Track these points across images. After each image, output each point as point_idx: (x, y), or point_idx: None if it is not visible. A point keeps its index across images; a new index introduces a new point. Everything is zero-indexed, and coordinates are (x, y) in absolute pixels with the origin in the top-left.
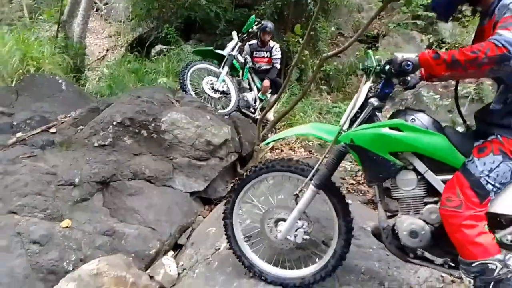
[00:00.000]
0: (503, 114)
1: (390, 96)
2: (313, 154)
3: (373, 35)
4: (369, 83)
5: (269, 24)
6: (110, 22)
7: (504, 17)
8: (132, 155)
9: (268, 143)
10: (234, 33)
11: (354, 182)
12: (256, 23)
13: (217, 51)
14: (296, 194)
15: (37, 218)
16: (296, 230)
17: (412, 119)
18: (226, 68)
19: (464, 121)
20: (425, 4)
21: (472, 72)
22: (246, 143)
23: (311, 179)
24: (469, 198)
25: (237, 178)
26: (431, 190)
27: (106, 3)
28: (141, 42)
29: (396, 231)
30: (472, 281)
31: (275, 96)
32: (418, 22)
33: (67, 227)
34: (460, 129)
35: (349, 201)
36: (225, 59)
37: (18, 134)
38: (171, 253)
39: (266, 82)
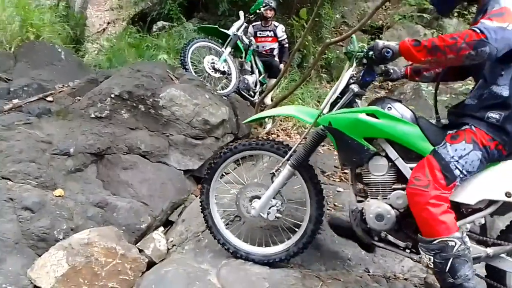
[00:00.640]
0: (478, 108)
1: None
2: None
3: (377, 26)
4: (351, 70)
5: (272, 1)
6: None
7: (492, 10)
8: (129, 129)
9: (248, 122)
10: (241, 13)
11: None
12: (264, 5)
13: (222, 30)
14: (272, 173)
15: (30, 185)
16: (270, 208)
17: (388, 107)
18: (229, 48)
19: (437, 113)
20: None
21: (451, 57)
22: (243, 125)
23: (288, 159)
24: (437, 180)
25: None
26: (400, 177)
27: None
28: (143, 17)
29: (364, 214)
30: (431, 258)
31: (274, 80)
32: (424, 15)
33: (59, 196)
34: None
35: (341, 189)
36: (229, 38)
37: (15, 101)
38: (161, 228)
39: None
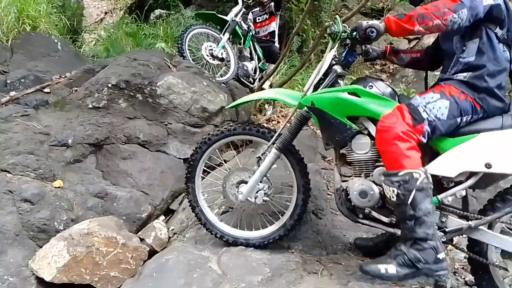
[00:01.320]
0: (448, 75)
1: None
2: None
3: (378, 8)
4: (334, 51)
5: None
6: None
7: None
8: (127, 119)
9: (232, 107)
10: None
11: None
12: None
13: (220, 16)
14: (258, 157)
15: (29, 177)
16: (257, 192)
17: (370, 85)
18: (227, 35)
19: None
20: None
21: (437, 22)
22: (242, 112)
23: (273, 143)
24: (405, 119)
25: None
26: None
27: None
28: (140, 5)
29: (348, 192)
30: (395, 190)
31: (273, 65)
32: None
33: (59, 187)
34: None
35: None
36: (228, 24)
37: (12, 93)
38: (162, 217)
39: None
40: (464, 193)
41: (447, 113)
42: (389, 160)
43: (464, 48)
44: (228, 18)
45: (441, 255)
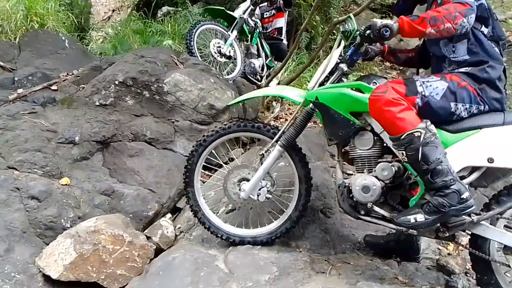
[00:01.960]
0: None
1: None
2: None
3: (387, 4)
4: (340, 49)
5: None
6: None
7: None
8: (134, 116)
9: (234, 104)
10: None
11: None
12: None
13: (229, 12)
14: (262, 154)
15: (36, 175)
16: (260, 189)
17: (374, 82)
18: (235, 32)
19: None
20: None
21: (448, 26)
22: (250, 109)
23: (277, 141)
24: (396, 89)
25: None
26: (385, 151)
27: None
28: (148, 2)
29: (350, 188)
30: (404, 152)
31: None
32: None
33: (66, 184)
34: None
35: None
36: (236, 22)
37: (20, 90)
38: (169, 215)
39: None
40: None
41: (442, 93)
42: (388, 126)
43: (453, 49)
44: (236, 14)
45: (465, 195)
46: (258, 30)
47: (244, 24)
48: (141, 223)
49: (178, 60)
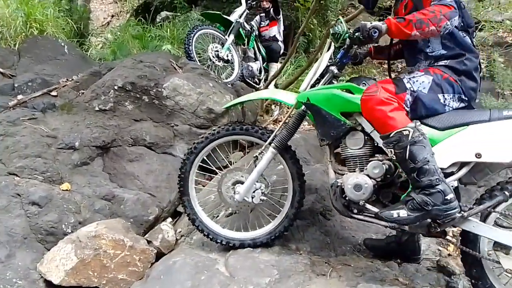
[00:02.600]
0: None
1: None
2: None
3: (385, 6)
4: (331, 51)
5: None
6: None
7: None
8: (133, 121)
9: (229, 107)
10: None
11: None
12: None
13: (225, 16)
14: (255, 157)
15: (37, 180)
16: (254, 192)
17: (363, 83)
18: (232, 37)
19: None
20: None
21: (432, 29)
22: (248, 113)
23: (270, 143)
24: (387, 88)
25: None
26: (376, 150)
27: None
28: (147, 8)
29: (343, 187)
30: (392, 150)
31: (279, 65)
32: None
33: (66, 190)
34: None
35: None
36: (232, 26)
37: (19, 96)
38: (169, 220)
39: None
40: (456, 184)
41: (428, 87)
42: (378, 125)
43: (428, 44)
44: (232, 19)
45: (449, 196)
46: (254, 34)
47: (241, 28)
48: (141, 227)
49: (177, 65)
